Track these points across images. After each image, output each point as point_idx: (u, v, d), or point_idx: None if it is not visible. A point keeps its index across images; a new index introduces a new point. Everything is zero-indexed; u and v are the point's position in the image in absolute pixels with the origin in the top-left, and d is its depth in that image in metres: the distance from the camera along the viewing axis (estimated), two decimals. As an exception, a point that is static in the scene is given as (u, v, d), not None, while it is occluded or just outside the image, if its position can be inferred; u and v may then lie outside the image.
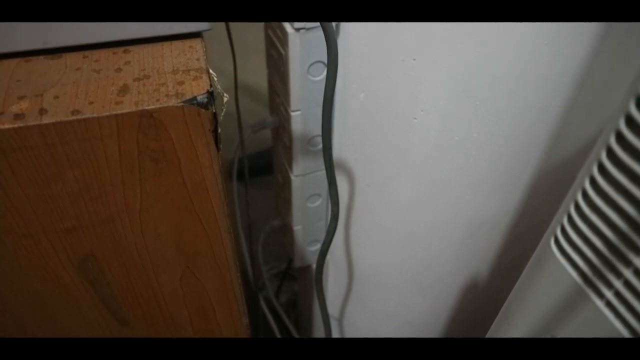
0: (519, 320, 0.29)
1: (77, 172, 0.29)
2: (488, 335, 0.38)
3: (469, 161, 0.46)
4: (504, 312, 0.31)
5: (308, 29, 0.43)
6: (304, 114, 0.50)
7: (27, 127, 0.27)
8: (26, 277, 0.34)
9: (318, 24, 0.41)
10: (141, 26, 0.32)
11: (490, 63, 0.39)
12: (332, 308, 0.71)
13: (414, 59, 0.41)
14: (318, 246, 0.65)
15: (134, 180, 0.31)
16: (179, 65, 0.31)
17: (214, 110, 0.30)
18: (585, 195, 0.22)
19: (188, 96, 0.29)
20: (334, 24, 0.43)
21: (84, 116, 0.27)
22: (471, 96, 0.41)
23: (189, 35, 0.34)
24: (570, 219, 0.24)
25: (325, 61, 0.46)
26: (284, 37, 0.45)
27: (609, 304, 0.23)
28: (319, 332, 0.83)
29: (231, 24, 0.53)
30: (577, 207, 0.23)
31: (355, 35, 0.44)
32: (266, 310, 0.74)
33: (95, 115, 0.28)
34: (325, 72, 0.47)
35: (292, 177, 0.55)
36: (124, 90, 0.29)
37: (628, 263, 0.21)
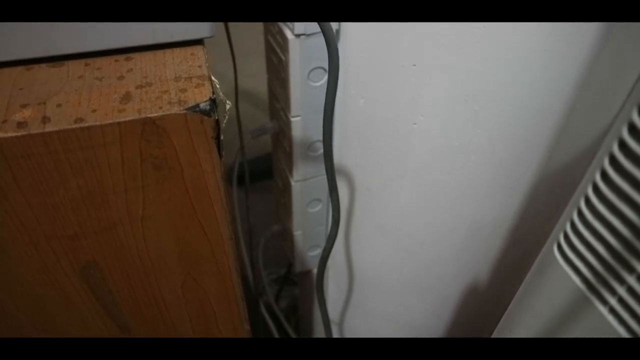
0: (521, 327, 0.29)
1: (80, 179, 0.29)
2: (490, 341, 0.38)
3: (469, 166, 0.46)
4: (506, 319, 0.32)
5: (308, 34, 0.44)
6: (304, 120, 0.50)
7: (30, 136, 0.27)
8: (27, 283, 0.34)
9: (318, 30, 0.41)
10: (143, 33, 0.32)
11: (489, 68, 0.39)
12: (333, 312, 0.71)
13: (414, 65, 0.41)
14: (318, 251, 0.65)
15: (136, 188, 0.31)
16: (181, 73, 0.31)
17: (216, 118, 0.30)
18: (588, 202, 0.22)
19: (191, 103, 0.29)
20: (334, 30, 0.44)
21: (87, 124, 0.27)
22: (470, 101, 0.41)
23: (190, 43, 0.34)
24: (573, 226, 0.24)
25: (325, 67, 0.46)
26: (284, 43, 0.45)
27: (612, 311, 0.23)
28: (319, 337, 0.82)
29: (231, 28, 0.53)
30: (580, 214, 0.23)
31: (355, 41, 0.44)
32: (266, 315, 0.74)
33: (98, 123, 0.28)
34: (325, 78, 0.47)
35: (293, 183, 0.55)
36: (127, 98, 0.29)
37: (631, 270, 0.21)
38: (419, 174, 0.48)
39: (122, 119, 0.28)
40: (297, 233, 0.61)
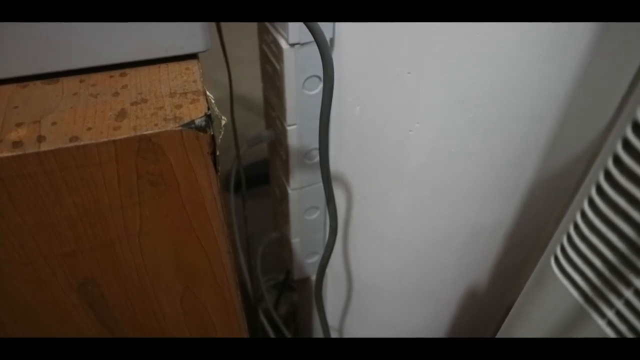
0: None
1: (76, 198, 0.29)
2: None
3: (465, 172, 0.46)
4: (505, 330, 0.32)
5: (303, 44, 0.44)
6: (300, 128, 0.50)
7: (26, 155, 0.27)
8: (24, 300, 0.34)
9: (312, 39, 0.41)
10: (137, 49, 0.32)
11: (484, 75, 0.39)
12: (332, 319, 0.71)
13: (409, 72, 0.41)
14: (316, 258, 0.65)
15: (133, 204, 0.31)
16: (176, 88, 0.31)
17: (212, 133, 0.30)
18: (584, 216, 0.23)
19: (186, 120, 0.29)
20: (328, 39, 0.44)
21: (82, 142, 0.27)
22: (466, 108, 0.41)
23: (184, 57, 0.34)
24: (570, 239, 0.24)
25: (320, 75, 0.46)
26: (278, 52, 0.45)
27: (610, 324, 0.23)
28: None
29: (223, 34, 0.53)
30: (577, 228, 0.23)
31: (350, 50, 0.44)
32: (265, 323, 0.74)
33: (93, 141, 0.28)
34: (320, 86, 0.47)
35: (290, 191, 0.55)
36: (122, 115, 0.29)
37: (628, 284, 0.21)
38: (416, 181, 0.48)
39: (118, 137, 0.28)
40: (295, 240, 0.61)
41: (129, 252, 0.33)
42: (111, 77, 0.32)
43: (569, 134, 0.46)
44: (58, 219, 0.30)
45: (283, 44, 0.44)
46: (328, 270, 0.65)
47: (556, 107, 0.43)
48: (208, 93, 0.31)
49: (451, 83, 0.40)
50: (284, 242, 0.65)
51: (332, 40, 0.45)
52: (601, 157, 0.21)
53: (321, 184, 0.42)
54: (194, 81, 0.32)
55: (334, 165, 0.53)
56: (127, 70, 0.33)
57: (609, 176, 0.21)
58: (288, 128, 0.50)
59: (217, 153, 0.31)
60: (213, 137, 0.30)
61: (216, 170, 0.32)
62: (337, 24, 0.44)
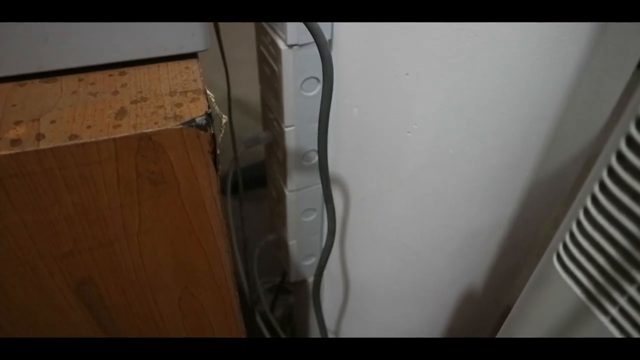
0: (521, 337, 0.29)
1: (75, 196, 0.29)
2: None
3: (463, 174, 0.46)
4: (506, 329, 0.32)
5: (301, 45, 0.44)
6: (298, 130, 0.50)
7: (24, 153, 0.27)
8: (21, 301, 0.34)
9: (311, 40, 0.41)
10: (137, 48, 0.32)
11: (482, 77, 0.39)
12: (329, 321, 0.71)
13: (407, 74, 0.41)
14: (313, 260, 0.65)
15: (132, 203, 0.31)
16: (176, 87, 0.31)
17: (212, 132, 0.30)
18: (587, 213, 0.23)
19: (186, 118, 0.29)
20: (327, 40, 0.44)
21: (81, 141, 0.27)
22: (464, 110, 0.42)
23: (184, 56, 0.34)
24: (573, 237, 0.24)
25: (318, 76, 0.46)
26: (277, 54, 0.45)
27: (613, 321, 0.23)
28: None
29: (223, 37, 0.53)
30: (579, 225, 0.23)
31: (348, 51, 0.44)
32: (262, 325, 0.73)
33: (93, 139, 0.27)
34: (318, 88, 0.47)
35: (287, 193, 0.55)
36: (122, 113, 0.29)
37: (632, 280, 0.21)
38: (414, 183, 0.48)
39: (118, 135, 0.28)
40: (292, 242, 0.61)
41: (128, 251, 0.33)
42: (110, 75, 0.32)
43: (566, 136, 0.47)
44: (56, 218, 0.30)
45: (281, 45, 0.44)
46: (325, 272, 0.64)
47: (553, 110, 0.43)
48: (208, 92, 0.31)
49: (449, 85, 0.40)
50: (281, 245, 0.64)
51: (330, 41, 0.45)
52: (604, 154, 0.21)
53: (318, 185, 0.42)
54: (194, 80, 0.32)
55: (331, 166, 0.53)
56: (127, 69, 0.33)
57: (612, 173, 0.21)
58: (286, 129, 0.50)
59: (218, 152, 0.31)
60: (213, 136, 0.30)
61: (216, 170, 0.31)
62: (335, 25, 0.44)
